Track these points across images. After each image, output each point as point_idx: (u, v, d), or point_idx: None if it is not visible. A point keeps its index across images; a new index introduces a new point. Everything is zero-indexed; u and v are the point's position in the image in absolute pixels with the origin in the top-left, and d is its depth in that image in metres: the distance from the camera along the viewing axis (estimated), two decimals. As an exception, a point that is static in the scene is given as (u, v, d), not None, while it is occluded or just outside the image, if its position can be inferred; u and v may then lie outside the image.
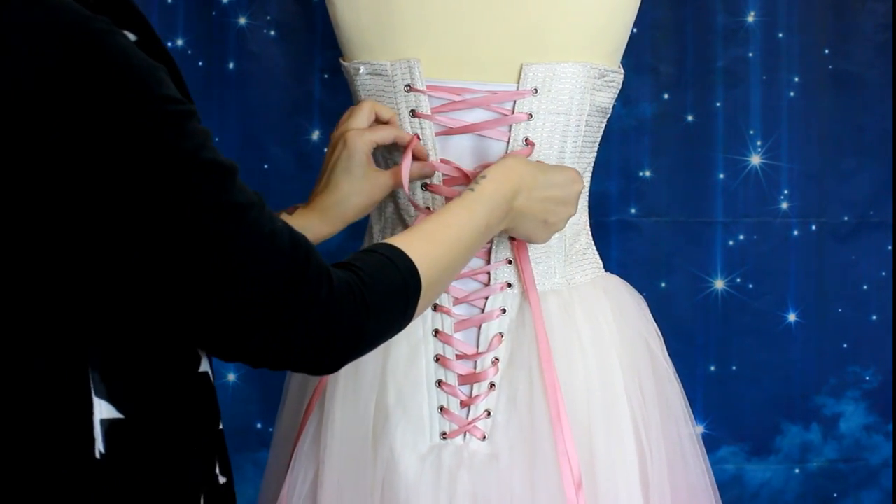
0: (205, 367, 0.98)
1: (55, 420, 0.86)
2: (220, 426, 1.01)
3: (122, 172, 0.81)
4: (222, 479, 0.99)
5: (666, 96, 2.17)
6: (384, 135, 1.34)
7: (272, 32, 2.13)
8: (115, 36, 0.83)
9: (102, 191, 0.81)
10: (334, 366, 0.99)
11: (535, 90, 1.35)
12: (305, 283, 0.91)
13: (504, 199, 1.23)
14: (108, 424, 0.87)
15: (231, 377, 2.16)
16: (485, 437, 1.36)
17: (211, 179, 0.85)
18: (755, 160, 2.18)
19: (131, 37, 0.90)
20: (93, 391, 0.87)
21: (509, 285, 1.39)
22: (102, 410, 0.87)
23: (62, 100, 0.79)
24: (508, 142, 1.36)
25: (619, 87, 1.45)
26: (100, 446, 0.87)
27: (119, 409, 0.88)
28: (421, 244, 1.09)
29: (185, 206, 0.83)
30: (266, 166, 2.16)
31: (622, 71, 1.45)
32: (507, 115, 1.35)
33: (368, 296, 0.98)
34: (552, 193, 1.30)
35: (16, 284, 0.85)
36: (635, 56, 2.14)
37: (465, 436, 1.37)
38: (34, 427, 0.85)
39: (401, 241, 1.08)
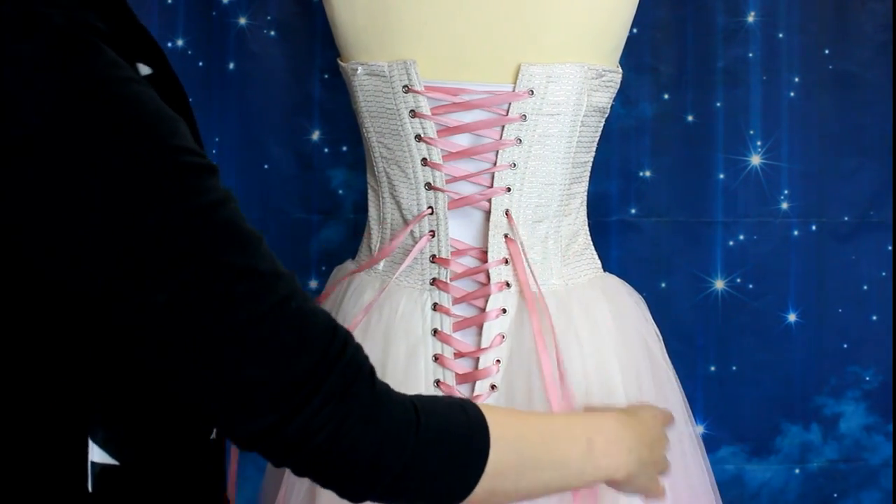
0: (217, 433, 0.93)
1: (50, 454, 0.84)
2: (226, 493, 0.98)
3: (130, 226, 0.75)
4: None
5: (666, 96, 2.17)
6: None
7: (272, 32, 2.13)
8: (132, 85, 0.78)
9: (110, 244, 0.75)
10: (362, 490, 0.85)
11: (531, 91, 1.35)
12: (339, 370, 0.82)
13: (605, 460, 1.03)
14: (98, 468, 0.84)
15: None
16: (484, 438, 1.36)
17: (227, 240, 0.79)
18: (755, 160, 2.18)
19: (145, 69, 0.87)
20: (90, 436, 0.84)
21: (508, 285, 1.39)
22: (94, 454, 0.84)
23: (73, 151, 0.75)
24: (500, 140, 1.36)
25: (618, 86, 1.45)
26: (89, 486, 0.85)
27: (114, 456, 0.85)
28: (504, 417, 0.95)
29: (195, 266, 0.77)
30: (266, 166, 2.16)
31: (620, 70, 1.45)
32: (502, 116, 1.35)
33: (424, 417, 0.86)
34: (647, 440, 1.12)
35: (22, 330, 0.82)
36: (635, 56, 2.14)
37: (463, 436, 1.37)
38: (29, 459, 0.84)
39: (483, 405, 0.94)
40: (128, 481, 0.86)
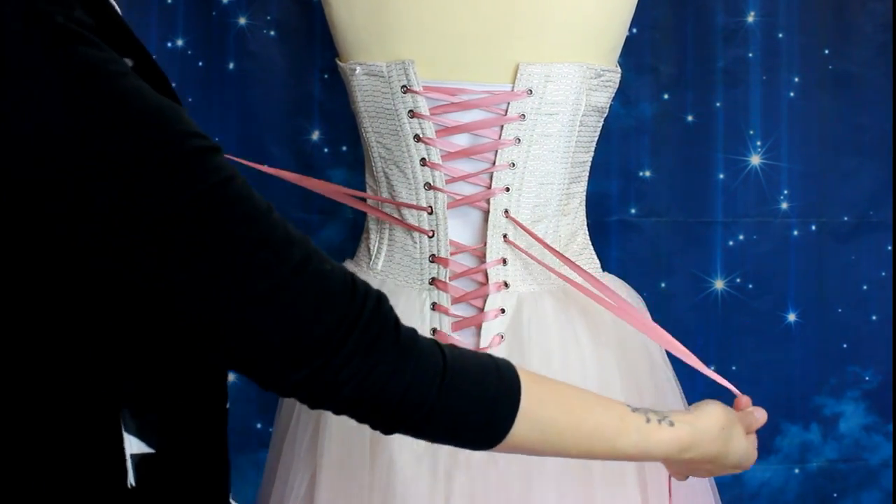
0: (228, 403, 0.98)
1: (89, 453, 0.87)
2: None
3: (146, 213, 0.79)
4: None
5: (666, 96, 2.17)
6: None
7: (272, 32, 2.13)
8: (131, 78, 0.81)
9: (128, 231, 0.79)
10: (391, 426, 0.90)
11: (530, 91, 1.35)
12: (360, 327, 0.85)
13: (663, 455, 1.05)
14: (138, 459, 0.88)
15: (231, 377, 2.15)
16: (482, 438, 1.36)
17: (240, 215, 0.82)
18: (755, 160, 2.18)
19: (128, 62, 0.88)
20: (123, 427, 0.87)
21: (506, 285, 1.39)
22: (132, 445, 0.88)
23: (84, 145, 0.78)
24: (499, 139, 1.36)
25: (616, 86, 1.45)
26: (131, 479, 0.88)
27: (148, 443, 0.89)
28: (542, 387, 0.97)
29: (212, 243, 0.81)
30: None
31: (619, 70, 1.45)
32: (500, 116, 1.35)
33: (450, 366, 0.89)
34: (717, 466, 1.12)
35: (50, 328, 0.85)
36: (635, 56, 2.14)
37: (462, 436, 1.37)
38: (70, 460, 0.86)
39: (522, 370, 0.96)
40: (166, 466, 0.90)
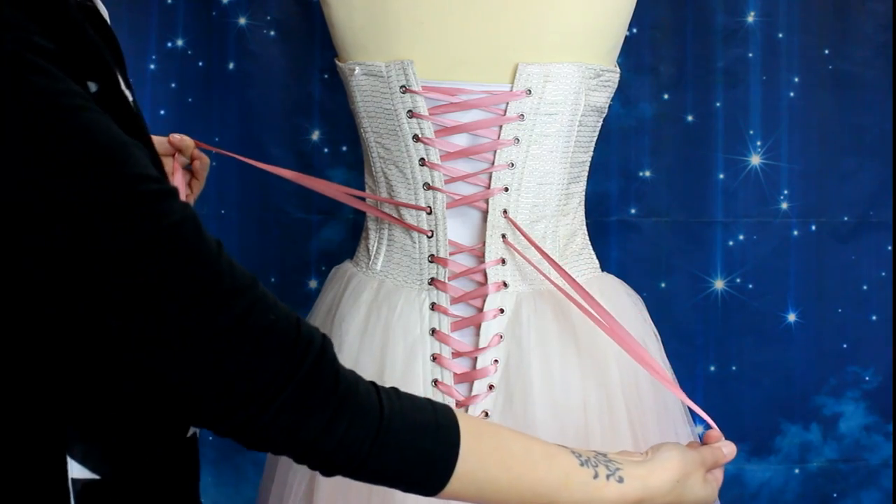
0: (193, 430, 0.96)
1: (29, 476, 0.86)
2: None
3: (90, 255, 0.77)
4: None
5: (666, 96, 2.17)
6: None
7: (272, 32, 2.13)
8: (84, 113, 0.78)
9: (70, 275, 0.77)
10: (329, 472, 0.90)
11: (529, 91, 1.35)
12: (295, 383, 0.85)
13: None
14: (80, 485, 0.87)
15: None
16: (481, 438, 1.36)
17: (183, 264, 0.81)
18: (755, 160, 2.18)
19: (93, 87, 0.85)
20: (68, 452, 0.86)
21: (505, 285, 1.39)
22: (74, 470, 0.87)
23: (26, 187, 0.75)
24: (498, 139, 1.36)
25: (616, 86, 1.45)
26: (72, 503, 0.87)
27: (94, 470, 0.87)
28: (483, 442, 0.95)
29: (152, 293, 0.79)
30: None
31: (618, 70, 1.45)
32: (499, 116, 1.36)
33: (387, 418, 0.90)
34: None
35: None
36: (635, 56, 2.14)
37: (461, 436, 1.37)
38: (8, 483, 0.85)
39: (466, 420, 0.95)
40: (110, 494, 0.88)
